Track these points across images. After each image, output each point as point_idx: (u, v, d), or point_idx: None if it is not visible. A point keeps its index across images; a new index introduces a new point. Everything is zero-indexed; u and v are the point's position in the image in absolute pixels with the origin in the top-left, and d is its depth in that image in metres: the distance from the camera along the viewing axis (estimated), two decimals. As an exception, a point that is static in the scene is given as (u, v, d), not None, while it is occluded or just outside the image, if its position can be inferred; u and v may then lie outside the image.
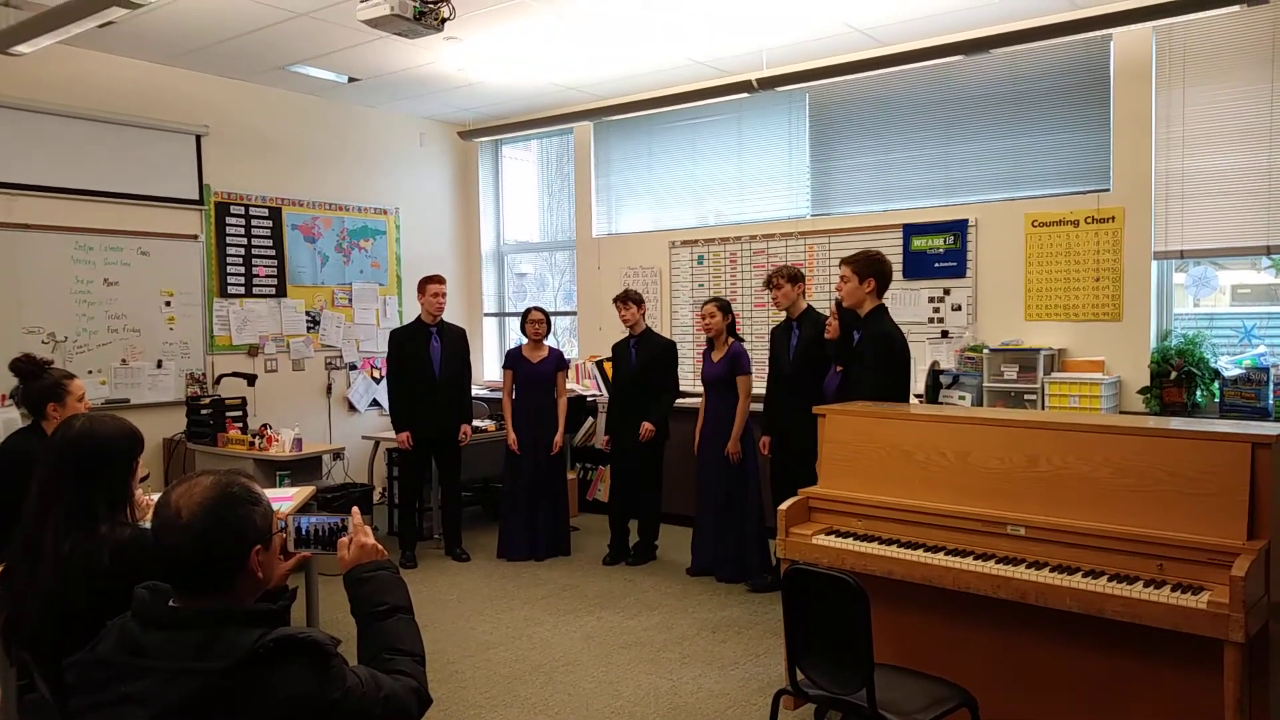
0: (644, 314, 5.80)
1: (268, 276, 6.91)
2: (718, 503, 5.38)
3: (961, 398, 5.43)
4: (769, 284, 5.20)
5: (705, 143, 7.01)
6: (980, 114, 5.78)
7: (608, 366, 6.37)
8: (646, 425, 5.59)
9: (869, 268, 4.05)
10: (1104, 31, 5.06)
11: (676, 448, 5.81)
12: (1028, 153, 5.63)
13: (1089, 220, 5.39)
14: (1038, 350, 5.33)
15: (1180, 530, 2.69)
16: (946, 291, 5.90)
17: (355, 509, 1.92)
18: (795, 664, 2.74)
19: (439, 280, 5.87)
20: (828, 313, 4.47)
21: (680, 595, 5.14)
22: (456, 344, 5.95)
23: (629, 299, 5.76)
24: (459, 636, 4.54)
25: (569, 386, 6.46)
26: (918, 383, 5.48)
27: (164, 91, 6.27)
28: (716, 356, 5.42)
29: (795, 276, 5.13)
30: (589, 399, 7.22)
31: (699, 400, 5.61)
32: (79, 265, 5.87)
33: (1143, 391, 5.14)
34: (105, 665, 1.50)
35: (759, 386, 5.44)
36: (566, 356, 6.25)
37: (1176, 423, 3.14)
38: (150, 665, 1.46)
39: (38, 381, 3.34)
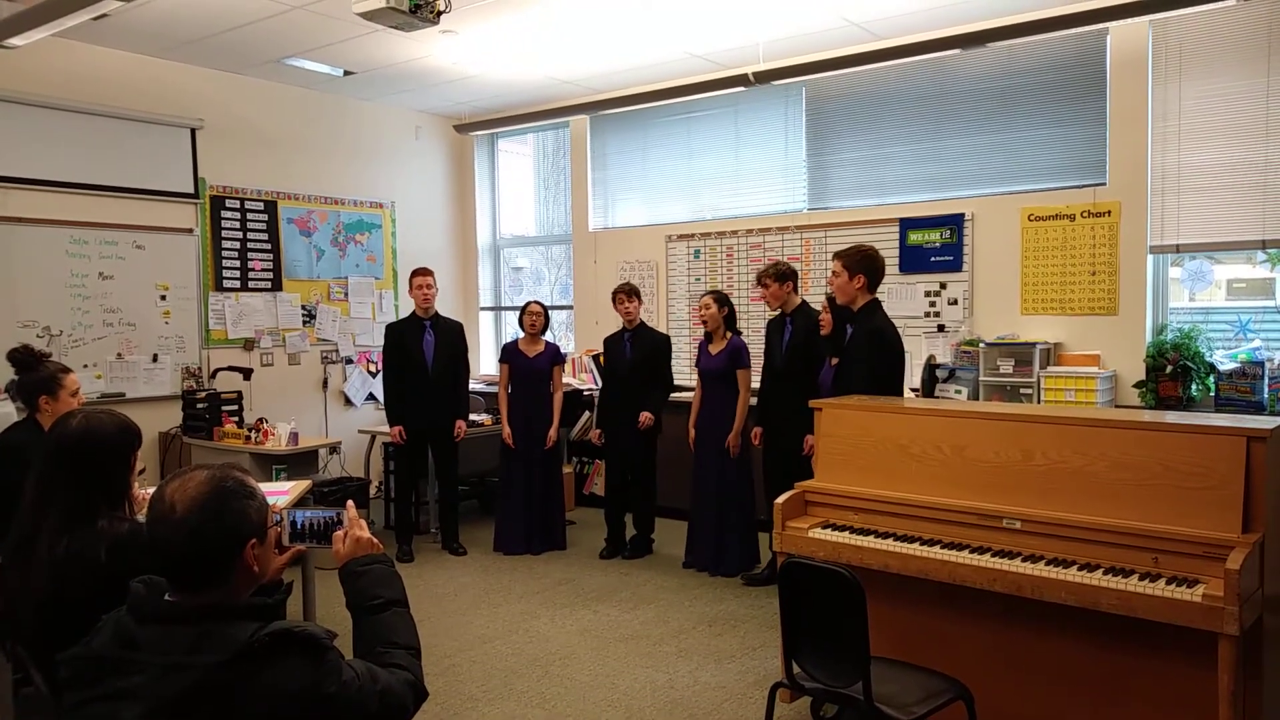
0: (639, 308, 5.80)
1: (263, 270, 6.90)
2: (715, 497, 5.38)
3: (958, 391, 5.43)
4: (758, 283, 5.21)
5: (701, 136, 6.99)
6: (977, 108, 5.77)
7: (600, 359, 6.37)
8: (646, 414, 5.59)
9: (859, 263, 4.04)
10: (1100, 25, 5.06)
11: (670, 441, 5.81)
12: (1024, 147, 5.63)
13: (1085, 214, 5.39)
14: (1033, 344, 5.33)
15: (1175, 524, 2.69)
16: (943, 285, 5.90)
17: (350, 502, 1.92)
18: (791, 657, 2.75)
19: (425, 273, 5.88)
20: (820, 308, 4.47)
21: (676, 589, 5.15)
22: (451, 338, 5.93)
23: (632, 293, 5.75)
24: (455, 630, 4.55)
25: (565, 381, 6.45)
26: (914, 377, 5.49)
27: (159, 85, 6.24)
28: (714, 349, 5.42)
29: (783, 274, 5.13)
30: (585, 393, 7.22)
31: (692, 394, 5.61)
32: (74, 259, 5.85)
33: (1138, 385, 5.15)
34: (100, 660, 1.50)
35: (755, 380, 5.44)
36: (563, 351, 6.25)
37: (1172, 416, 3.15)
38: (145, 660, 1.46)
39: (33, 373, 3.33)
